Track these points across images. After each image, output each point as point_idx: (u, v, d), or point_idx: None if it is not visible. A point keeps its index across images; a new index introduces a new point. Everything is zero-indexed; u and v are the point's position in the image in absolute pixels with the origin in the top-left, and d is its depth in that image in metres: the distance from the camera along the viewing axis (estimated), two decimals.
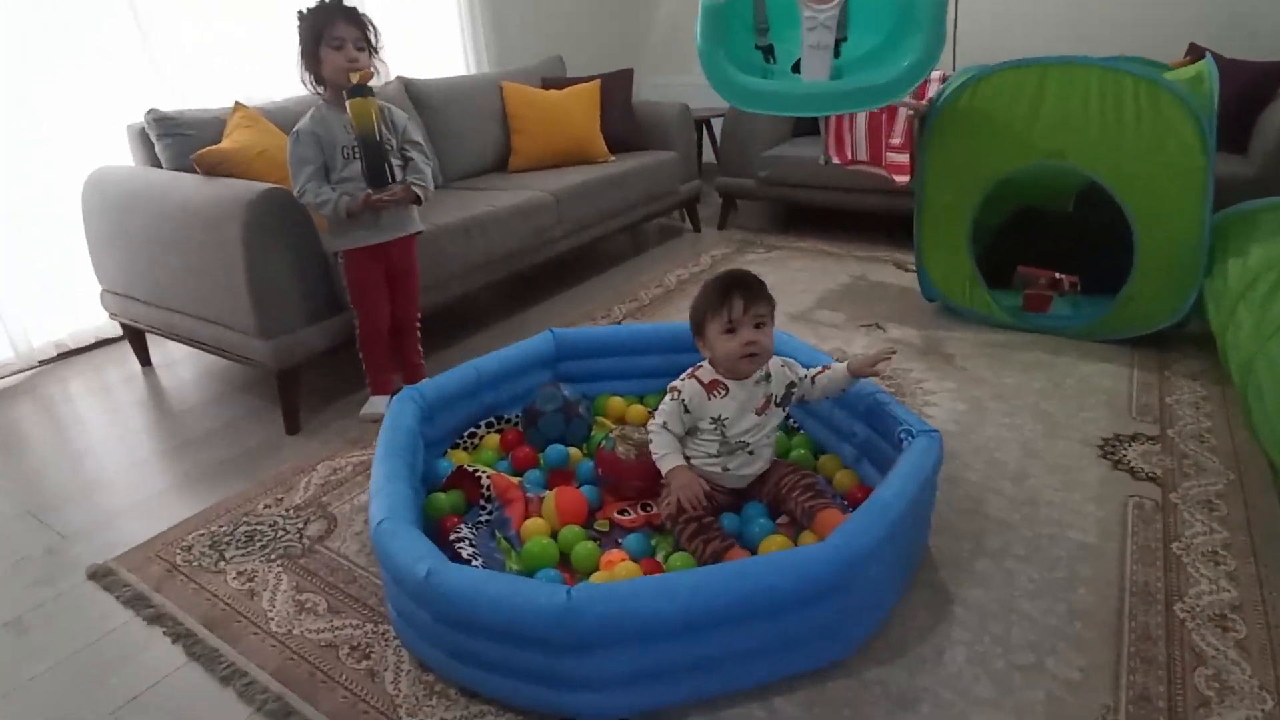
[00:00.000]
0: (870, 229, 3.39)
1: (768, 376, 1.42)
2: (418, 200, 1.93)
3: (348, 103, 1.78)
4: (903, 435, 1.38)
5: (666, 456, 1.38)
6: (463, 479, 1.56)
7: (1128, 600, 1.26)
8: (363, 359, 2.02)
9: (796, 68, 1.39)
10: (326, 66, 1.80)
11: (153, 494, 1.78)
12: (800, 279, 2.89)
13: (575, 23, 4.29)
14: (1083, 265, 2.39)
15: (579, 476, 1.61)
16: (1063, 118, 2.07)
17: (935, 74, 2.43)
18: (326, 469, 1.81)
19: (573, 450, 1.67)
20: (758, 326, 1.35)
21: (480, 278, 2.48)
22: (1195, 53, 2.69)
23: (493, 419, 1.80)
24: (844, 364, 1.47)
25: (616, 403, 1.87)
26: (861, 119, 2.49)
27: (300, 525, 1.60)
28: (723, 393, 1.39)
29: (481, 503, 1.52)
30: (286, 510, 1.66)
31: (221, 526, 1.61)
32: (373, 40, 1.85)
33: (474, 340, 2.52)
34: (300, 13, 1.80)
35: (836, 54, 1.48)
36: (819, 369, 1.49)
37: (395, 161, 1.90)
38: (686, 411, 1.40)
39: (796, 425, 1.76)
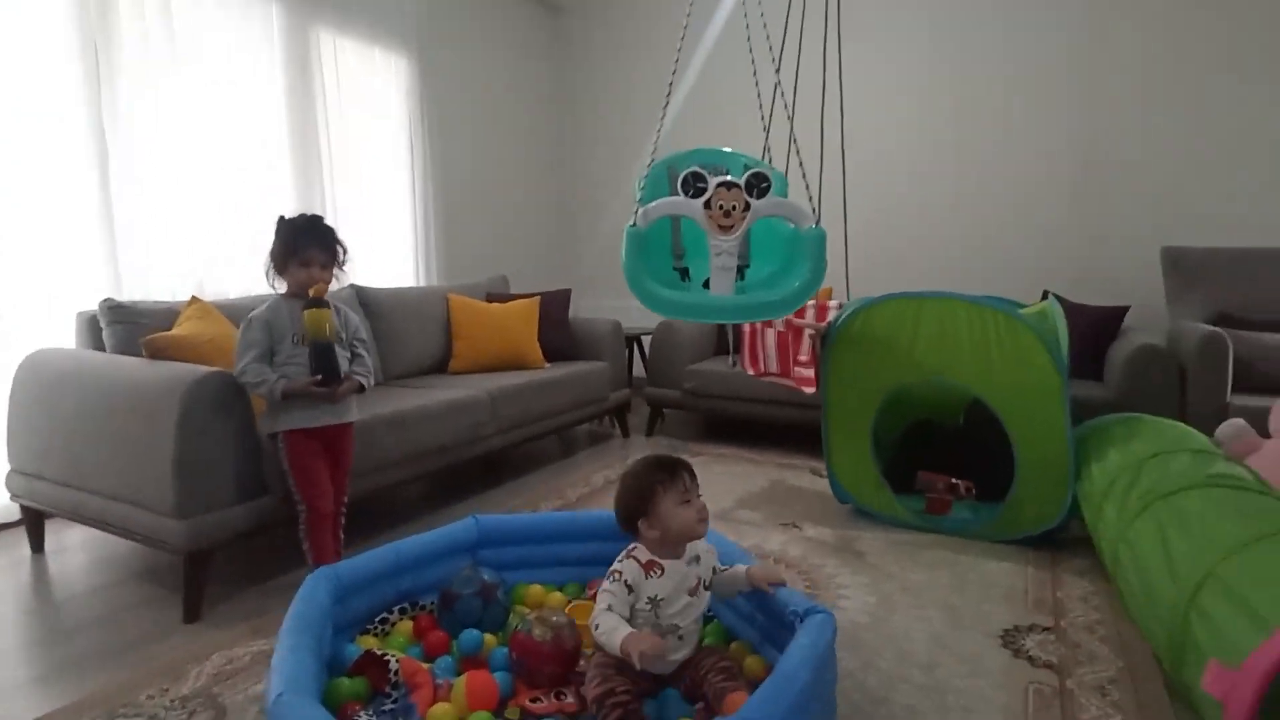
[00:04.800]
0: (788, 439, 3.61)
1: (697, 559, 1.48)
2: (360, 389, 2.06)
3: (304, 312, 1.93)
4: (792, 617, 1.43)
5: (616, 630, 1.32)
6: (370, 664, 1.50)
7: None
8: (308, 546, 1.98)
9: (707, 284, 1.65)
10: (290, 276, 1.98)
11: (12, 686, 1.62)
12: (722, 481, 3.02)
13: (520, 248, 4.76)
14: (976, 472, 2.60)
15: (493, 664, 1.57)
16: (940, 341, 2.39)
17: (833, 302, 2.80)
18: (222, 658, 1.71)
19: (488, 636, 1.64)
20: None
21: (412, 468, 2.53)
22: (1046, 298, 3.19)
23: (406, 604, 1.76)
24: (744, 569, 1.53)
25: (536, 590, 1.86)
26: (772, 339, 2.80)
27: (184, 717, 1.48)
28: (659, 573, 1.43)
29: (388, 689, 1.46)
30: (171, 701, 1.53)
31: (93, 718, 1.47)
32: (340, 258, 2.04)
33: (398, 533, 2.49)
34: (282, 219, 1.99)
35: (741, 277, 1.76)
36: (723, 568, 1.55)
37: (343, 353, 2.03)
38: (630, 592, 1.41)
39: (711, 614, 1.78)
